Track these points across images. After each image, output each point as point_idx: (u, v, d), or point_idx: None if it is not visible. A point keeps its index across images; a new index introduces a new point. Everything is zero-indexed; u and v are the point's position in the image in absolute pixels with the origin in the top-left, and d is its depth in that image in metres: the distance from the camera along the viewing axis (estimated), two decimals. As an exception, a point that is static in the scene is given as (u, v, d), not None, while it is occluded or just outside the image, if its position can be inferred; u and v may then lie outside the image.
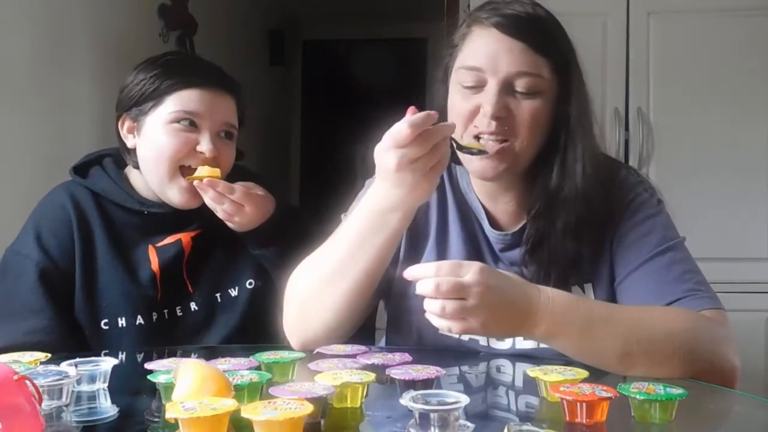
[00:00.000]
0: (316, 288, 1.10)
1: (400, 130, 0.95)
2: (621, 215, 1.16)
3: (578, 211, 1.12)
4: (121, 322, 1.30)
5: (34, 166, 1.89)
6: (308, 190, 5.12)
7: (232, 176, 1.37)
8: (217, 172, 1.31)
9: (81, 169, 1.40)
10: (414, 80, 3.91)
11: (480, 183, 1.21)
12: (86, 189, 1.36)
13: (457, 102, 1.12)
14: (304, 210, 1.54)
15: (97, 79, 2.12)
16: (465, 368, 1.10)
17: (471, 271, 0.92)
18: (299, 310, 1.13)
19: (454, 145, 1.08)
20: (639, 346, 0.98)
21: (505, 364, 1.11)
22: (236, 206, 1.30)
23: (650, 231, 1.14)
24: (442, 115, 1.13)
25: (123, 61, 1.45)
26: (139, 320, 1.31)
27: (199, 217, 1.38)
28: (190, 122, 1.32)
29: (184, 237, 1.38)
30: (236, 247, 1.39)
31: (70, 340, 1.26)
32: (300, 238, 1.27)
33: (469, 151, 1.09)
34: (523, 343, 1.14)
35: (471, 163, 1.13)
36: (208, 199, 1.30)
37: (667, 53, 2.50)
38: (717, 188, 2.46)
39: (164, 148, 1.31)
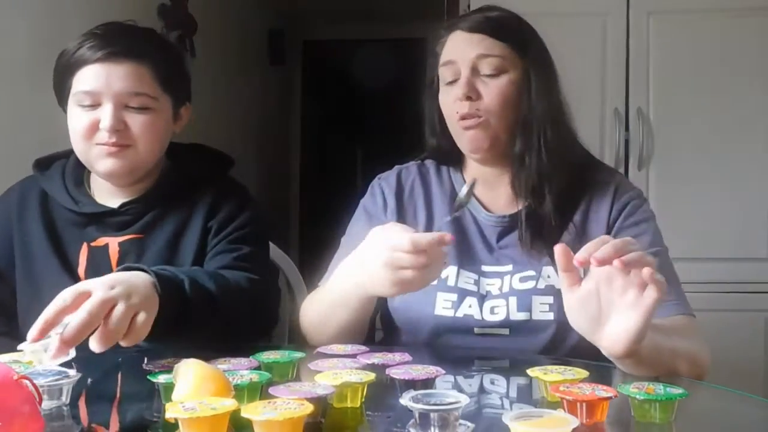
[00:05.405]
0: (318, 320, 1.24)
1: (401, 245, 0.99)
2: (619, 213, 1.26)
3: (559, 186, 1.23)
4: None
5: (29, 164, 1.89)
6: (308, 190, 5.12)
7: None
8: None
9: (45, 163, 1.43)
10: (413, 80, 3.90)
11: (478, 173, 1.32)
12: (37, 185, 1.40)
13: (443, 97, 1.30)
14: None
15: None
16: (463, 368, 1.10)
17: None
18: (313, 330, 1.25)
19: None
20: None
21: (503, 363, 1.10)
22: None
23: (644, 233, 1.24)
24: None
25: (123, 60, 1.44)
26: None
27: (139, 220, 1.36)
28: (92, 100, 1.28)
29: (112, 242, 1.35)
30: (173, 258, 1.34)
31: None
32: (195, 316, 1.12)
33: (460, 203, 1.13)
34: (516, 315, 1.21)
35: (462, 140, 1.27)
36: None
37: (667, 53, 2.50)
38: (717, 188, 2.46)
39: (74, 130, 1.31)
